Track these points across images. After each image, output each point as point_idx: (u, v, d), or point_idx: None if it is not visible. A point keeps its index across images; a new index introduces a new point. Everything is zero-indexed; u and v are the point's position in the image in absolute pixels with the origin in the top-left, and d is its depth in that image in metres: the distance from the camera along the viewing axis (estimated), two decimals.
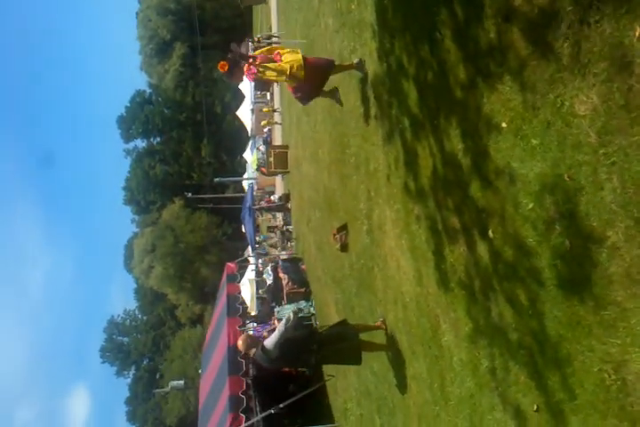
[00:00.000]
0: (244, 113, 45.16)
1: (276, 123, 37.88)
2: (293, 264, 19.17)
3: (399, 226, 7.28)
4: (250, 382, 16.01)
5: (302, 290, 17.88)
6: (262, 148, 46.61)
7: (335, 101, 9.67)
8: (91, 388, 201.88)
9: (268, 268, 21.10)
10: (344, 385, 13.06)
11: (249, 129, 50.26)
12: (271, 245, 37.21)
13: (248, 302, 60.80)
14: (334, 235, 10.86)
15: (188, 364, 66.51)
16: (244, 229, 36.65)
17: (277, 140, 42.50)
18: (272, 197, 35.24)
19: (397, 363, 8.46)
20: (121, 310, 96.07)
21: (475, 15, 4.45)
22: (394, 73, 6.66)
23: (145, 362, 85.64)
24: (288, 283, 18.04)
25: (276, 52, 8.58)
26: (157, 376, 78.55)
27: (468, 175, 4.91)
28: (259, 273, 45.62)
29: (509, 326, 4.79)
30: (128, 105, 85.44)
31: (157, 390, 61.11)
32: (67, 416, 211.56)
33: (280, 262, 19.43)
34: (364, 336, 9.05)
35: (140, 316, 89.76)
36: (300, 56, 8.27)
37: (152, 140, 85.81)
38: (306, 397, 15.98)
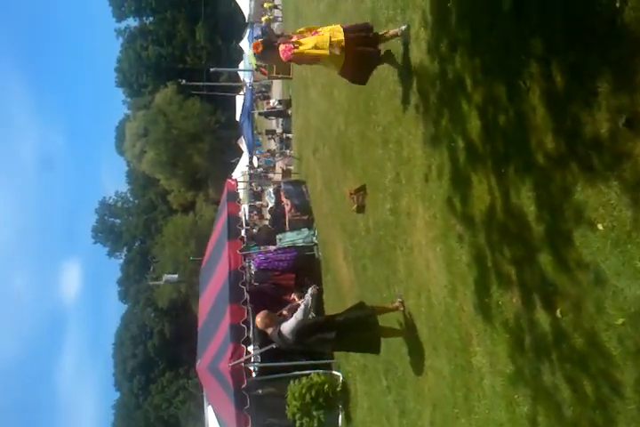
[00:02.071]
0: None
1: (277, 20, 36.02)
2: (296, 187, 18.66)
3: (433, 231, 6.82)
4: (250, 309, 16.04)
5: (305, 217, 17.55)
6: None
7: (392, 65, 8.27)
8: (83, 267, 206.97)
9: (270, 190, 20.59)
10: None
11: (246, 15, 48.06)
12: (269, 151, 36.57)
13: (241, 195, 61.01)
14: (350, 194, 10.36)
15: (180, 250, 67.29)
16: (242, 143, 35.78)
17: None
18: (271, 102, 34.10)
19: (415, 347, 8.27)
20: (112, 192, 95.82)
21: (581, 96, 3.75)
22: (449, 83, 5.93)
23: (137, 244, 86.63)
24: (291, 209, 17.66)
25: (314, 30, 7.65)
26: (149, 258, 79.96)
27: (539, 242, 4.43)
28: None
29: (565, 401, 4.49)
30: None
31: (152, 283, 62.29)
32: (59, 290, 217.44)
33: (283, 186, 18.91)
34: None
35: (131, 199, 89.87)
36: (339, 29, 7.36)
37: (145, 19, 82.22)
38: None
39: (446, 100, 6.05)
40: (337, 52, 7.13)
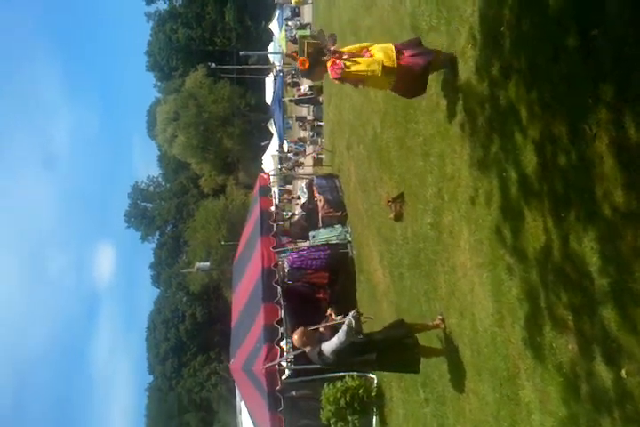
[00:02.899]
0: None
1: (307, 2, 35.50)
2: (329, 181, 18.30)
3: (480, 256, 6.49)
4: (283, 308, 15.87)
5: (338, 214, 17.22)
6: (291, 23, 44.19)
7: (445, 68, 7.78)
8: (116, 251, 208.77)
9: (303, 185, 20.26)
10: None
11: None
12: (300, 139, 36.18)
13: (271, 178, 60.41)
14: (388, 202, 10.04)
15: (212, 235, 67.36)
16: (272, 126, 35.42)
17: (307, 18, 40.04)
18: (302, 89, 33.60)
19: (456, 367, 7.99)
20: (144, 177, 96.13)
21: None
22: (500, 109, 5.52)
23: (169, 228, 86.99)
24: (324, 206, 17.34)
25: (364, 49, 7.24)
26: (181, 242, 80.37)
27: (601, 295, 4.10)
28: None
29: None
30: None
31: (184, 271, 62.53)
32: (94, 274, 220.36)
33: (315, 180, 18.54)
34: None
35: (163, 183, 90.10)
36: (391, 48, 6.96)
37: (174, 2, 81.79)
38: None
39: (497, 127, 5.66)
40: (390, 81, 6.83)
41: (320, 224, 17.39)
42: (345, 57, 7.00)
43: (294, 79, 39.00)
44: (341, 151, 18.02)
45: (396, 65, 6.82)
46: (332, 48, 7.22)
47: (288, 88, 39.31)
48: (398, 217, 9.91)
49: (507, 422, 6.56)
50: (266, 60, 59.02)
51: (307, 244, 18.60)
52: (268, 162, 51.46)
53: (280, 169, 45.26)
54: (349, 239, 16.32)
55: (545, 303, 5.05)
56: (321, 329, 8.62)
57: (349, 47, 7.33)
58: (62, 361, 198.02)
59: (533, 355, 5.51)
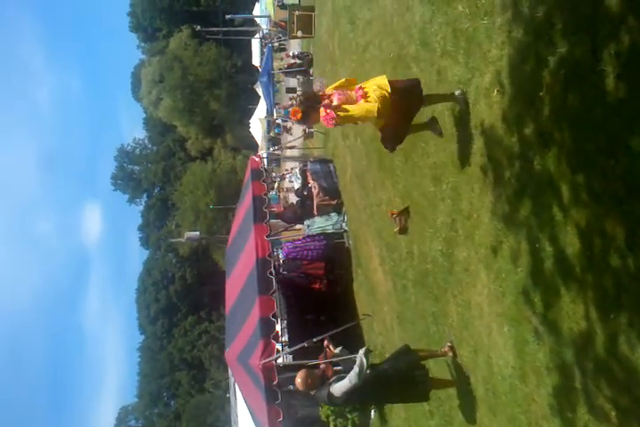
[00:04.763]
0: None
1: None
2: (323, 166, 17.79)
3: (501, 307, 6.09)
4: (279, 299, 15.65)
5: (333, 202, 16.81)
6: None
7: (434, 133, 7.66)
8: (104, 213, 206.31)
9: (297, 170, 19.75)
10: (382, 330, 12.50)
11: None
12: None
13: (258, 141, 59.83)
14: (392, 214, 9.61)
15: (200, 199, 66.92)
16: (259, 88, 34.61)
17: None
18: (290, 53, 32.64)
19: (468, 398, 7.69)
20: (130, 139, 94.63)
21: None
22: (536, 175, 4.89)
23: (156, 191, 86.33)
24: (319, 193, 16.90)
25: (357, 86, 6.73)
26: (169, 204, 79.99)
27: None
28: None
29: None
30: None
31: (173, 240, 62.12)
32: (81, 235, 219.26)
33: (309, 165, 18.02)
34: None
35: (149, 146, 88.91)
36: (386, 84, 6.48)
37: None
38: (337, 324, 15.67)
39: (530, 192, 5.13)
40: (386, 115, 6.38)
41: (315, 212, 16.99)
42: (335, 104, 6.55)
43: (282, 45, 38.09)
44: (335, 137, 17.46)
45: (389, 105, 6.40)
46: (321, 93, 6.80)
47: (275, 54, 38.36)
48: (403, 231, 9.52)
49: None
50: (252, 21, 57.56)
51: (300, 228, 18.27)
52: (256, 125, 50.73)
53: (269, 149, 44.67)
54: (345, 228, 15.98)
55: (581, 386, 4.70)
56: (321, 366, 8.35)
57: (339, 83, 6.91)
58: (52, 322, 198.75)
59: (562, 424, 5.20)
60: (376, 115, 6.36)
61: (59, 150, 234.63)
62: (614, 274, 4.06)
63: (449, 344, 8.00)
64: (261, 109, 47.88)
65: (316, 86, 7.09)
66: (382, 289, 11.79)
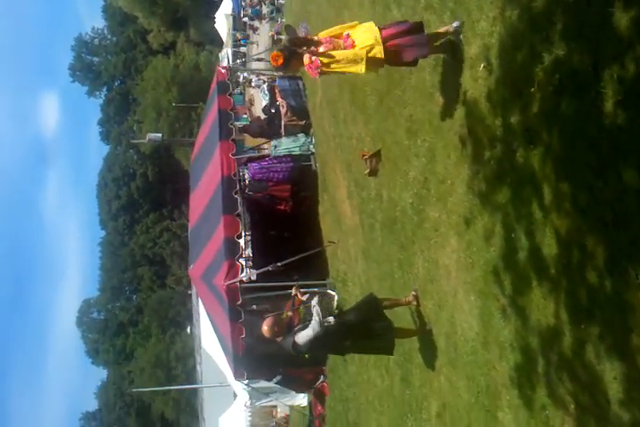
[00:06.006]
0: None
1: None
2: (292, 84, 17.32)
3: (469, 276, 6.15)
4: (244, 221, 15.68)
5: (302, 123, 16.53)
6: None
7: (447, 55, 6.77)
8: (62, 105, 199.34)
9: (265, 86, 19.21)
10: (346, 259, 12.65)
11: None
12: (258, 17, 34.05)
13: (223, 38, 57.79)
14: (363, 156, 9.49)
15: (162, 96, 65.16)
16: None
17: None
18: None
19: (429, 348, 7.90)
20: (89, 29, 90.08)
21: None
22: (519, 167, 4.74)
23: (116, 84, 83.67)
24: (287, 113, 16.55)
25: (345, 32, 6.31)
26: (129, 99, 78.03)
27: (614, 395, 3.84)
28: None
29: None
30: None
31: (135, 141, 60.79)
32: (38, 126, 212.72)
33: (278, 82, 17.49)
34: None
35: (109, 36, 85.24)
36: (377, 32, 6.05)
37: None
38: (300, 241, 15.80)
39: (510, 183, 5.03)
40: (376, 70, 6.04)
41: (283, 132, 16.69)
42: (322, 50, 6.19)
43: None
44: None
45: (382, 56, 6.05)
46: (306, 37, 6.40)
47: None
48: (373, 173, 9.44)
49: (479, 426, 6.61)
50: None
51: (267, 147, 18.04)
52: (221, 21, 48.89)
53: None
54: (313, 151, 15.81)
55: (543, 372, 4.85)
56: (289, 313, 8.46)
57: (327, 31, 6.47)
58: (9, 215, 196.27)
59: (520, 396, 5.40)
60: (364, 67, 6.01)
61: (11, 36, 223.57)
62: (590, 289, 4.10)
63: (413, 293, 8.12)
64: (227, 4, 45.99)
65: (301, 32, 6.69)
66: (349, 222, 11.82)
